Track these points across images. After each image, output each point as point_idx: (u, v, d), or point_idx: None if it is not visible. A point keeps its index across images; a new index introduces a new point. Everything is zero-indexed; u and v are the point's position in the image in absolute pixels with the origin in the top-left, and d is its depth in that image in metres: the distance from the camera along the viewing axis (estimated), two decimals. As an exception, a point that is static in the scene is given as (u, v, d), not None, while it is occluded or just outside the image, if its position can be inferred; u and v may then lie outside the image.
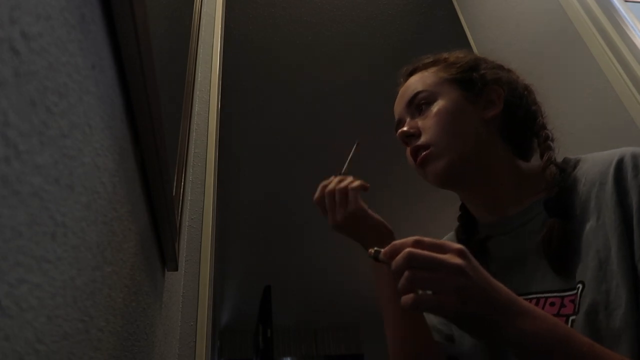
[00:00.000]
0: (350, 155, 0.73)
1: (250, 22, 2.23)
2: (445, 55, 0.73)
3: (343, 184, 0.70)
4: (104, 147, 0.33)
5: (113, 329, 0.37)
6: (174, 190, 0.67)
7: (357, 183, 0.70)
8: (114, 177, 0.36)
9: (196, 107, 1.27)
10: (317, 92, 2.64)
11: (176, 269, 0.77)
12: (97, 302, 0.32)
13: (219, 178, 1.29)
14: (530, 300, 0.57)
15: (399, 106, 0.72)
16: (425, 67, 0.72)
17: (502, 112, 0.66)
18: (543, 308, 0.55)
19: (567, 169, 0.61)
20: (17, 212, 0.19)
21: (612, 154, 0.56)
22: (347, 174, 0.73)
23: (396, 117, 0.73)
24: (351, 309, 5.47)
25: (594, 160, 0.59)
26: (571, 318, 0.52)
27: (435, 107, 0.66)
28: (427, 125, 0.65)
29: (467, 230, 0.71)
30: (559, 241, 0.55)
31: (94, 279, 0.31)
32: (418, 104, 0.68)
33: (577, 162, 0.61)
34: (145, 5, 0.37)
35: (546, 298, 0.56)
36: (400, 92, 0.74)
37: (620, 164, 0.54)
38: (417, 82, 0.70)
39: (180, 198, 0.80)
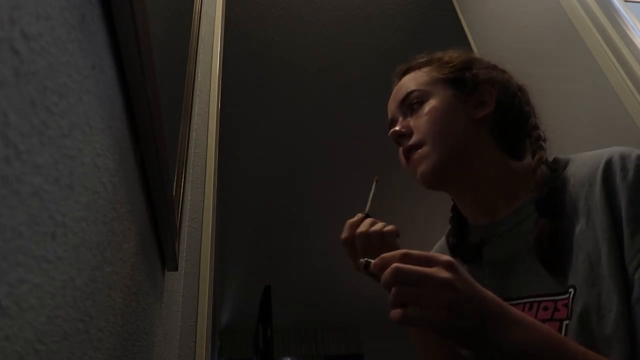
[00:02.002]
0: (372, 194, 0.70)
1: (251, 22, 2.22)
2: (439, 54, 0.73)
3: (377, 228, 0.66)
4: (104, 147, 0.33)
5: (113, 329, 0.37)
6: (174, 190, 0.67)
7: (391, 227, 0.67)
8: (114, 177, 0.36)
9: (196, 107, 1.27)
10: (317, 91, 2.64)
11: (176, 269, 0.77)
12: (97, 302, 0.32)
13: (219, 178, 1.30)
14: (524, 304, 0.57)
15: (391, 105, 0.72)
16: (419, 66, 0.72)
17: (494, 112, 0.66)
18: (537, 312, 0.55)
19: (557, 169, 0.60)
20: (17, 212, 0.19)
21: (600, 155, 0.56)
22: (370, 213, 0.70)
23: (389, 116, 0.73)
24: (351, 309, 5.47)
25: (582, 161, 0.58)
26: (565, 323, 0.51)
27: (427, 107, 0.66)
28: (419, 124, 0.65)
29: (459, 233, 0.71)
30: (550, 241, 0.55)
31: (94, 279, 0.31)
32: (410, 104, 0.68)
33: (567, 162, 0.61)
34: (145, 5, 0.37)
35: (539, 302, 0.55)
36: (393, 91, 0.73)
37: (608, 164, 0.54)
38: (409, 82, 0.70)
39: (180, 198, 0.80)
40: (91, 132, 0.30)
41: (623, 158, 0.53)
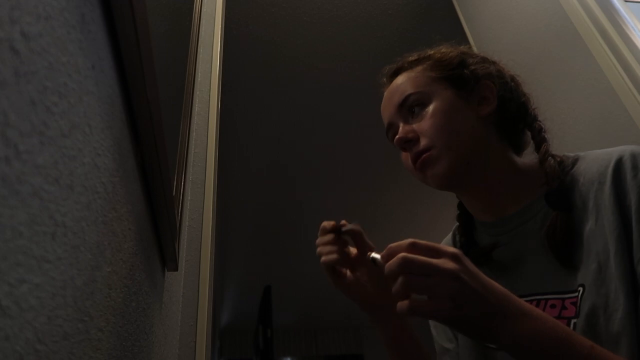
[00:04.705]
0: (347, 228, 0.65)
1: (251, 21, 2.22)
2: (429, 52, 0.71)
3: (323, 258, 0.64)
4: (104, 147, 0.33)
5: (113, 329, 0.37)
6: (174, 190, 0.67)
7: (332, 257, 0.63)
8: (114, 177, 0.36)
9: (196, 107, 1.27)
10: (316, 91, 2.64)
11: (176, 269, 0.77)
12: (97, 302, 0.32)
13: (220, 178, 1.29)
14: (531, 302, 0.57)
15: (388, 110, 0.69)
16: (410, 66, 0.69)
17: (496, 107, 0.65)
18: (543, 310, 0.55)
19: (565, 165, 0.60)
20: (17, 212, 0.19)
21: (610, 153, 0.56)
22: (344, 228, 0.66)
23: (386, 121, 0.69)
24: (351, 309, 5.45)
25: (592, 159, 0.58)
26: (573, 321, 0.51)
27: (430, 109, 0.63)
28: (424, 128, 0.63)
29: (466, 231, 0.70)
30: (563, 233, 0.55)
31: (94, 279, 0.31)
32: (410, 107, 0.65)
33: (575, 160, 0.60)
34: (145, 5, 0.37)
35: (546, 300, 0.55)
36: (386, 94, 0.70)
37: (619, 163, 0.54)
38: (405, 84, 0.67)
39: (180, 198, 0.80)
40: (91, 132, 0.30)
41: (634, 157, 0.53)
